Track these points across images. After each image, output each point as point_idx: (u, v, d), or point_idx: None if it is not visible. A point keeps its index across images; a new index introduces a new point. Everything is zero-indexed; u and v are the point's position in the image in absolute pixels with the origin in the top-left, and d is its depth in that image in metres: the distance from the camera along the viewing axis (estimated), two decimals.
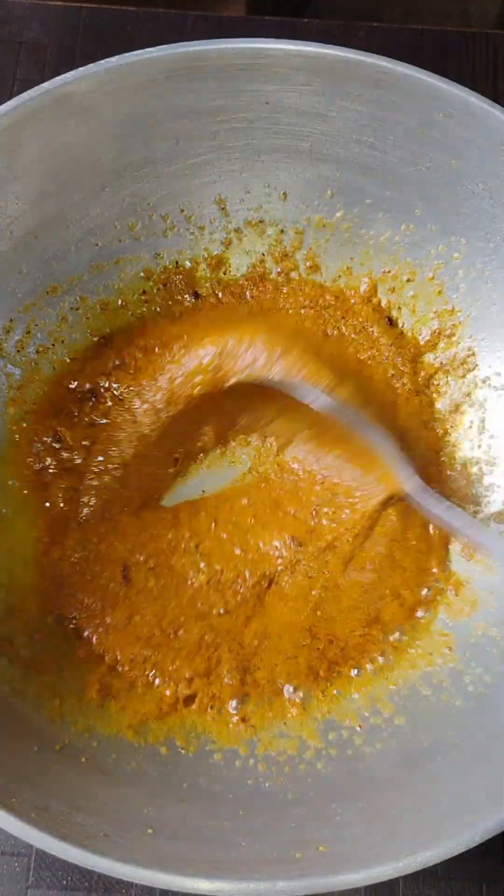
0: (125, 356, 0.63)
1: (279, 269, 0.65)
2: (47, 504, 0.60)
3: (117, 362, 0.63)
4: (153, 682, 0.56)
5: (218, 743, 0.54)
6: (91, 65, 0.56)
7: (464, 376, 0.62)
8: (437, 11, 1.24)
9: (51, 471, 0.61)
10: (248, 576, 0.60)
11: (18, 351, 0.60)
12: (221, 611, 0.59)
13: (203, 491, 0.63)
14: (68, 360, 0.62)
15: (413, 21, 1.16)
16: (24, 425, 0.60)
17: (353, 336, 0.65)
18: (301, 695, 0.56)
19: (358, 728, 0.54)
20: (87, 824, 0.45)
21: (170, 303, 0.65)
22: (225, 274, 0.65)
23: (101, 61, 0.56)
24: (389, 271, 0.63)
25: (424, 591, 0.60)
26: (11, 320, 0.60)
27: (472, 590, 0.59)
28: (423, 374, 0.64)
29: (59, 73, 0.56)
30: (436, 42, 0.78)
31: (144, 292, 0.64)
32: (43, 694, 0.53)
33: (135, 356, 0.63)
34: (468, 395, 0.62)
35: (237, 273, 0.65)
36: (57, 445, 0.61)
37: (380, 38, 0.78)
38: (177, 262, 0.64)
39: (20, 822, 0.42)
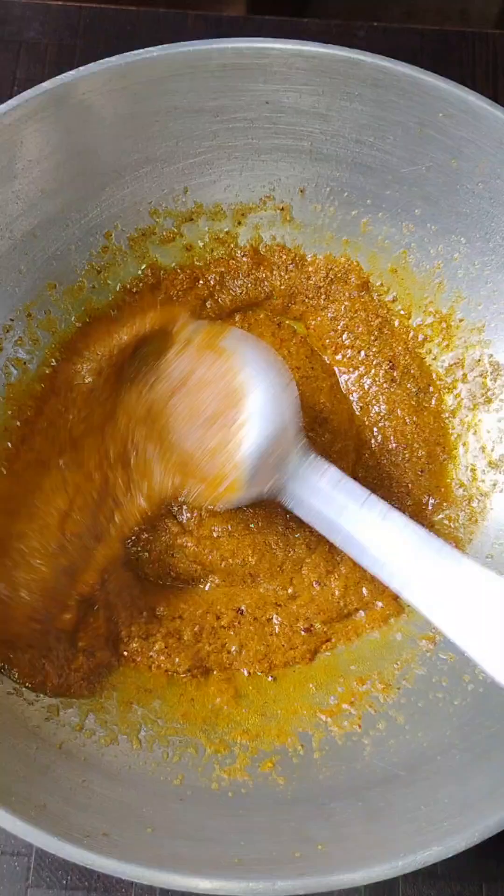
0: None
1: (277, 267, 0.65)
2: None
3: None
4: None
5: (219, 742, 0.54)
6: (91, 64, 0.56)
7: None
8: (437, 11, 1.24)
9: None
10: None
11: (18, 349, 0.60)
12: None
13: None
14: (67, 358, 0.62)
15: (413, 21, 1.16)
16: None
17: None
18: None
19: (357, 727, 0.54)
20: (86, 823, 0.45)
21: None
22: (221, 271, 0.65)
23: (102, 61, 0.56)
24: (391, 271, 0.64)
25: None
26: (11, 319, 0.60)
27: None
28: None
29: (59, 73, 0.56)
30: (436, 42, 0.78)
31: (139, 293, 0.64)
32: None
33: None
34: None
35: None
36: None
37: (380, 38, 0.78)
38: (175, 262, 0.65)
39: (20, 820, 0.42)
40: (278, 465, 0.53)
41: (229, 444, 0.53)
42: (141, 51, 0.56)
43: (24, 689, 0.52)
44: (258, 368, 0.54)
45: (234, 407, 0.54)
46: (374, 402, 0.64)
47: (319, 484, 0.53)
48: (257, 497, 0.54)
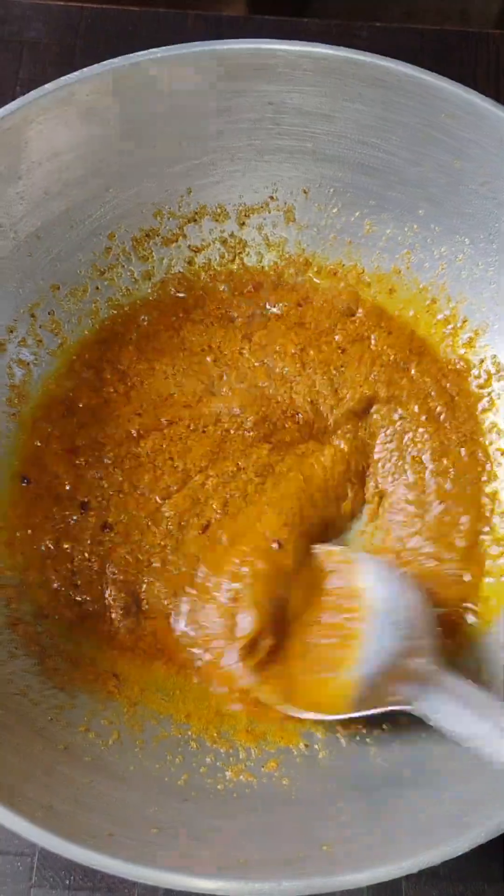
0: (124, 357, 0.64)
1: (280, 270, 0.65)
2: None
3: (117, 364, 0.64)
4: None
5: (223, 742, 0.54)
6: (95, 65, 0.56)
7: None
8: (437, 11, 1.24)
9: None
10: None
11: (22, 349, 0.60)
12: None
13: None
14: (71, 360, 0.62)
15: (412, 21, 1.16)
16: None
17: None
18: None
19: (361, 728, 0.54)
20: (91, 824, 0.45)
21: (168, 306, 0.65)
22: (224, 274, 0.65)
23: (105, 62, 0.56)
24: (394, 272, 0.64)
25: None
26: (15, 320, 0.60)
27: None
28: None
29: (61, 73, 0.56)
30: (437, 42, 0.78)
31: (143, 294, 0.65)
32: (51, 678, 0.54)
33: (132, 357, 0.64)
34: None
35: (238, 272, 0.66)
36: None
37: (381, 39, 0.78)
38: (178, 264, 0.65)
39: (25, 821, 0.42)
40: (402, 684, 0.50)
41: (341, 654, 0.52)
42: (144, 52, 0.56)
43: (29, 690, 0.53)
44: (384, 581, 0.53)
45: (351, 613, 0.52)
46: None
47: (455, 708, 0.49)
48: (369, 712, 0.51)
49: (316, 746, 0.54)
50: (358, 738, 0.54)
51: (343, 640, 0.52)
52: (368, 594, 0.53)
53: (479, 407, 0.62)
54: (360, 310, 0.64)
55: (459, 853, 0.42)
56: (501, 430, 0.61)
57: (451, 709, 0.49)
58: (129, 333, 0.64)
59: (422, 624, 0.52)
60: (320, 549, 0.57)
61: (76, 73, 0.56)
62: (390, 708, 0.50)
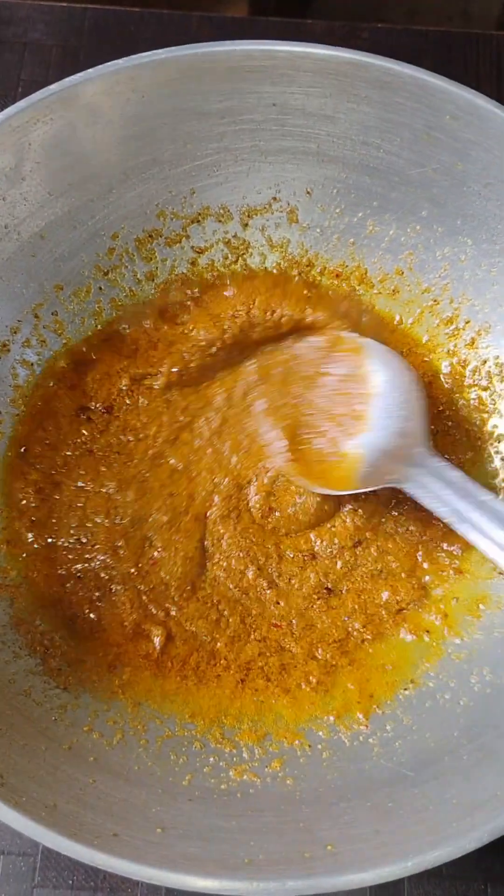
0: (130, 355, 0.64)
1: (283, 271, 0.65)
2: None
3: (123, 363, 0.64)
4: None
5: (226, 742, 0.54)
6: (99, 66, 0.56)
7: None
8: (439, 11, 1.24)
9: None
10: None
11: (26, 350, 0.60)
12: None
13: None
14: (75, 361, 0.63)
15: (415, 21, 1.16)
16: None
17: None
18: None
19: (364, 728, 0.54)
20: (96, 823, 0.45)
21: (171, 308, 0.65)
22: (227, 275, 0.65)
23: (109, 63, 0.56)
24: (397, 273, 0.64)
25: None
26: (18, 321, 0.60)
27: (479, 590, 0.59)
28: None
29: (63, 75, 0.56)
30: (440, 43, 0.78)
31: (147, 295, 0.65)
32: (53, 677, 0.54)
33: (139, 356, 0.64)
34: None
35: (241, 273, 0.66)
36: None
37: (384, 40, 0.78)
38: (181, 265, 0.65)
39: (30, 821, 0.43)
40: (398, 463, 0.54)
41: (348, 433, 0.56)
42: (148, 53, 0.56)
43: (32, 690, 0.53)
44: (387, 366, 0.56)
45: (358, 398, 0.56)
46: None
47: (439, 488, 0.54)
48: (370, 489, 0.56)
49: (319, 747, 0.54)
50: (361, 738, 0.54)
51: (350, 423, 0.56)
52: (373, 377, 0.56)
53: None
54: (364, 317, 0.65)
55: (464, 853, 0.43)
56: (503, 434, 0.61)
57: (437, 488, 0.54)
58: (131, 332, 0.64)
59: (417, 407, 0.56)
60: (330, 333, 0.60)
61: (80, 74, 0.56)
62: (388, 485, 0.55)
